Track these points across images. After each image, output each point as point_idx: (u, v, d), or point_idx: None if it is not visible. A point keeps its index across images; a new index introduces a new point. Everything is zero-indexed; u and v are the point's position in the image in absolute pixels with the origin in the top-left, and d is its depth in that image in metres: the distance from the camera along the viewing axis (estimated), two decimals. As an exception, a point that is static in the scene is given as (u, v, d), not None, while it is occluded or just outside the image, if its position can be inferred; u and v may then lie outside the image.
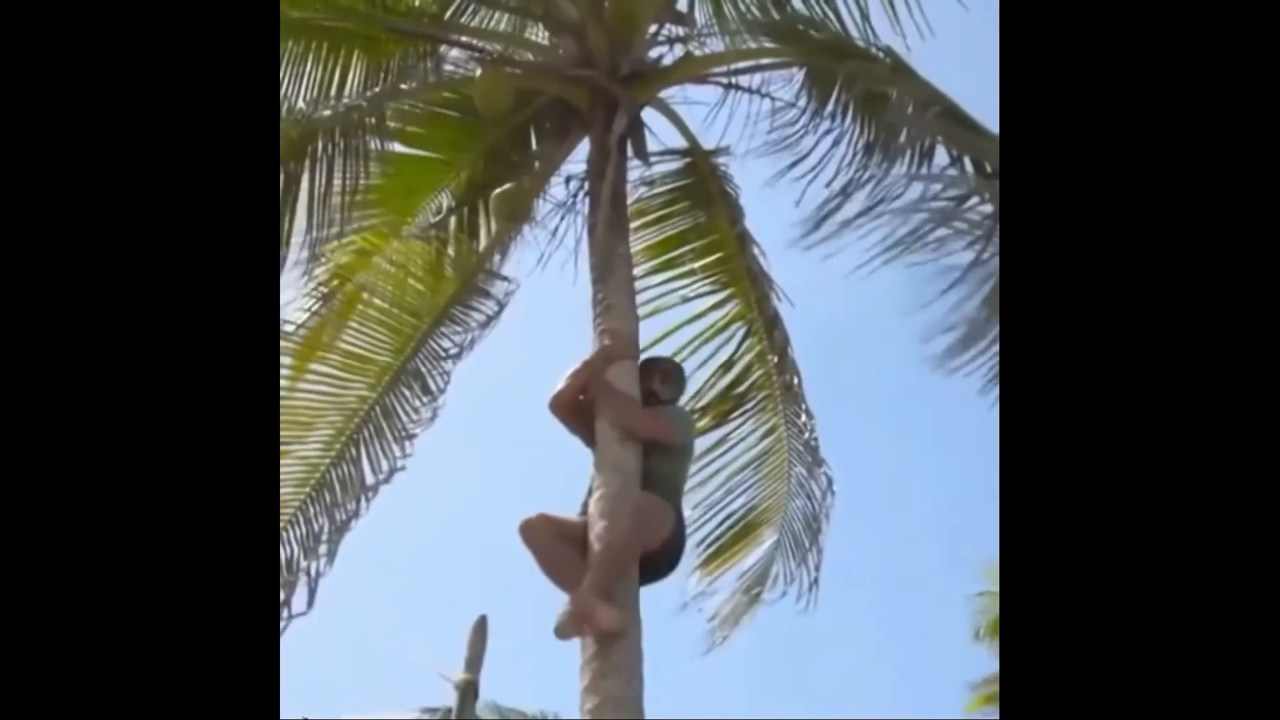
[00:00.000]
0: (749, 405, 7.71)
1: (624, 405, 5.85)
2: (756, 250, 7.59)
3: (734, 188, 7.60)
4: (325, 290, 7.49)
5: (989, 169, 5.64)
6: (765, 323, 7.61)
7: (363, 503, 7.54)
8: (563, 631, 5.13)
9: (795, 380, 7.58)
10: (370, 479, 7.54)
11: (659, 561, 5.56)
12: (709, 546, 7.74)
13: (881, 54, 6.41)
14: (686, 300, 7.63)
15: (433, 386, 7.70)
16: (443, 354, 7.72)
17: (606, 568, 5.20)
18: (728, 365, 7.69)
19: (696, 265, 7.67)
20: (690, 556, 7.15)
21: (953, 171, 5.92)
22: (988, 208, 5.15)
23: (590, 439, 5.84)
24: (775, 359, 7.63)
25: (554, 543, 5.52)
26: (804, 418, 7.61)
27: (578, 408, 5.92)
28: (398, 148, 7.37)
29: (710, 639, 7.77)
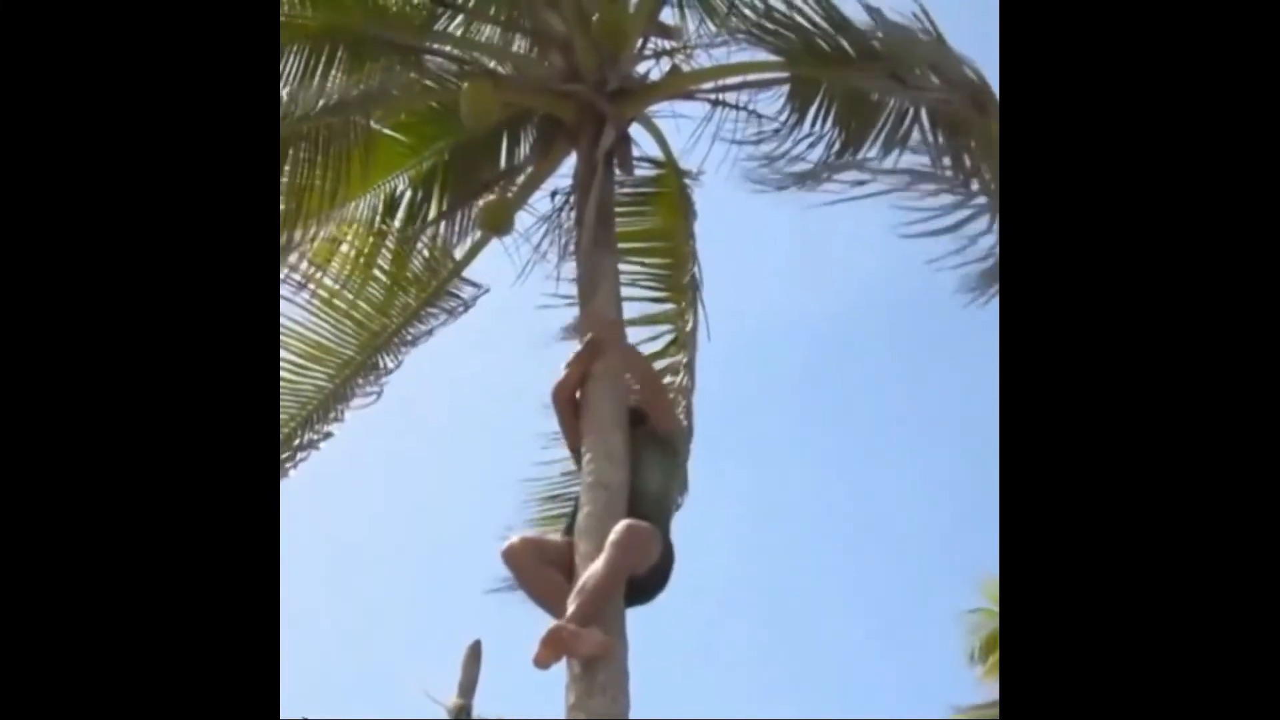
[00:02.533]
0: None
1: (646, 366, 5.86)
2: (697, 273, 7.57)
3: (693, 213, 7.56)
4: (299, 277, 7.38)
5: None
6: (686, 341, 7.56)
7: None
8: (540, 661, 5.00)
9: (685, 404, 7.45)
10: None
11: (646, 585, 5.45)
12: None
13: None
14: (631, 284, 7.52)
15: (381, 367, 7.65)
16: (403, 340, 7.64)
17: (590, 597, 5.08)
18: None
19: (646, 261, 7.63)
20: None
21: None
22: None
23: (577, 443, 5.78)
24: (682, 374, 7.54)
25: (537, 567, 5.40)
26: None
27: (575, 403, 5.85)
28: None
29: None
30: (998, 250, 5.51)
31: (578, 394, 5.85)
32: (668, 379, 7.46)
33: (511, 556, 5.43)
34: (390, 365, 7.68)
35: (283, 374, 7.41)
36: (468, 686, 5.77)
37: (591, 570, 5.16)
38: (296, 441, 7.60)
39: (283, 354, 7.36)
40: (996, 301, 5.42)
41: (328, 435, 7.62)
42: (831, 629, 12.91)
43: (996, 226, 6.16)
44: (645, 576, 5.38)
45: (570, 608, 5.05)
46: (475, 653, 5.86)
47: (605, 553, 5.17)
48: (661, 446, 5.80)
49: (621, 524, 5.30)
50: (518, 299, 7.57)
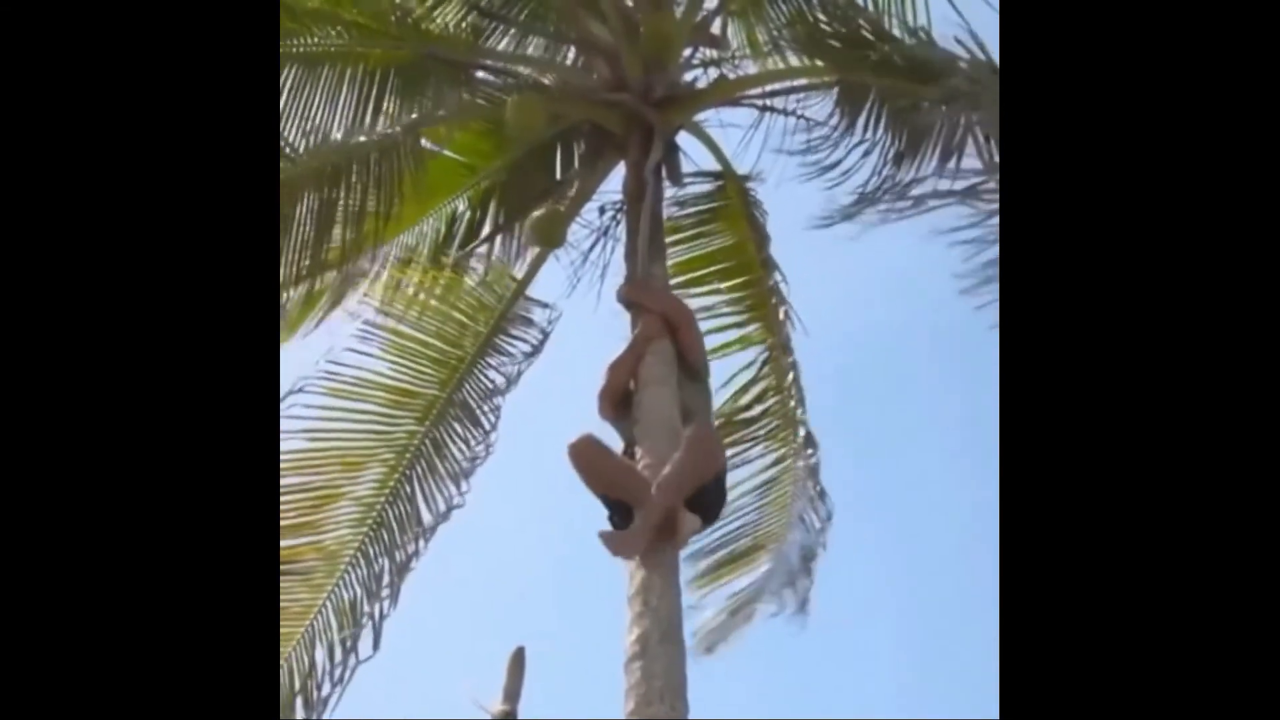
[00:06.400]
0: (760, 431, 7.41)
1: (679, 304, 6.10)
2: (780, 277, 7.35)
3: (762, 213, 7.36)
4: (368, 326, 7.22)
5: None
6: (783, 349, 7.36)
7: (422, 542, 7.17)
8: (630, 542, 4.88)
9: (802, 410, 7.32)
10: (427, 518, 7.20)
11: (707, 498, 5.30)
12: (703, 563, 7.44)
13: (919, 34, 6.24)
14: (710, 319, 7.33)
15: (484, 422, 7.35)
16: (491, 388, 7.39)
17: (678, 481, 5.01)
18: (745, 388, 7.41)
19: (723, 285, 7.44)
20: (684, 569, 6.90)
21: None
22: None
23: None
24: (790, 387, 7.36)
25: (606, 455, 5.35)
26: (809, 449, 7.30)
27: (627, 398, 5.74)
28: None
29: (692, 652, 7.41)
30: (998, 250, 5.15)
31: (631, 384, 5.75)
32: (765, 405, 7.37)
33: (579, 451, 5.31)
34: (492, 419, 7.43)
35: (371, 425, 7.24)
36: (512, 693, 5.48)
37: (672, 462, 5.10)
38: (394, 487, 7.33)
39: (366, 405, 7.22)
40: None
41: (457, 505, 7.36)
42: (859, 637, 12.40)
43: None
44: (709, 487, 5.28)
45: (662, 490, 4.97)
46: (519, 659, 5.58)
47: (681, 450, 5.14)
48: (693, 375, 5.82)
49: (690, 429, 5.33)
50: (571, 310, 7.42)
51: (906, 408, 13.17)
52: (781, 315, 7.30)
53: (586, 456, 5.31)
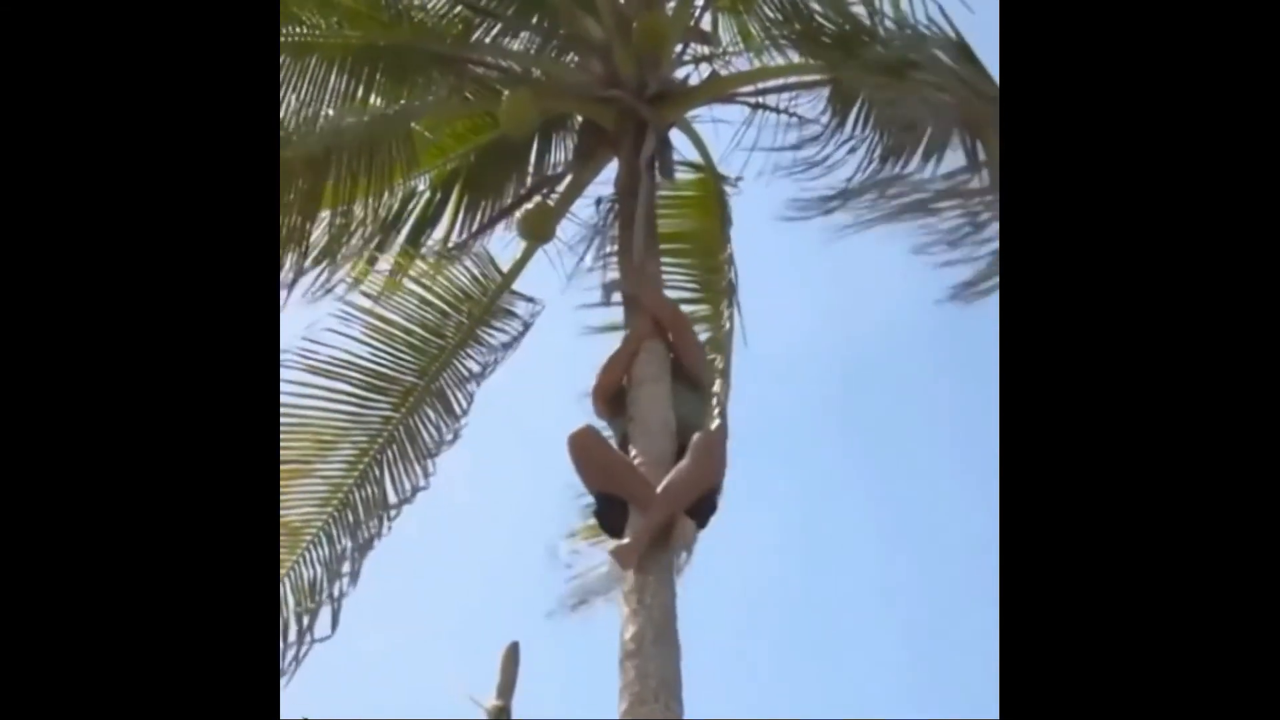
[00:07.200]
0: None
1: (677, 311, 5.98)
2: (733, 278, 7.30)
3: (729, 217, 7.33)
4: (349, 309, 7.14)
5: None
6: (723, 344, 7.31)
7: (385, 522, 7.17)
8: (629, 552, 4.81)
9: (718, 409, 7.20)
10: (393, 499, 7.17)
11: (703, 505, 5.22)
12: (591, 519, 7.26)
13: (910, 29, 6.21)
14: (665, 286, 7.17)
15: (456, 408, 7.32)
16: (467, 375, 7.35)
17: (684, 490, 4.96)
18: None
19: (680, 261, 7.40)
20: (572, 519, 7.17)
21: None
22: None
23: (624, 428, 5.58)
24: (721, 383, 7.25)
25: (607, 449, 5.29)
26: None
27: (620, 396, 5.67)
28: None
29: (566, 601, 7.38)
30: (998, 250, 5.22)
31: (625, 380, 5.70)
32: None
33: (579, 441, 5.25)
34: (464, 404, 7.40)
35: (345, 406, 7.18)
36: (506, 688, 5.51)
37: (680, 468, 5.04)
38: (364, 469, 7.29)
39: (342, 385, 7.15)
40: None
41: (422, 488, 7.32)
42: (863, 637, 12.57)
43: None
44: (702, 499, 5.19)
45: (668, 496, 4.93)
46: (513, 654, 5.61)
47: (691, 455, 5.09)
48: (692, 384, 5.74)
49: (699, 434, 5.24)
50: (558, 306, 7.39)
51: (909, 405, 13.24)
52: (725, 319, 7.27)
53: (586, 448, 5.26)
